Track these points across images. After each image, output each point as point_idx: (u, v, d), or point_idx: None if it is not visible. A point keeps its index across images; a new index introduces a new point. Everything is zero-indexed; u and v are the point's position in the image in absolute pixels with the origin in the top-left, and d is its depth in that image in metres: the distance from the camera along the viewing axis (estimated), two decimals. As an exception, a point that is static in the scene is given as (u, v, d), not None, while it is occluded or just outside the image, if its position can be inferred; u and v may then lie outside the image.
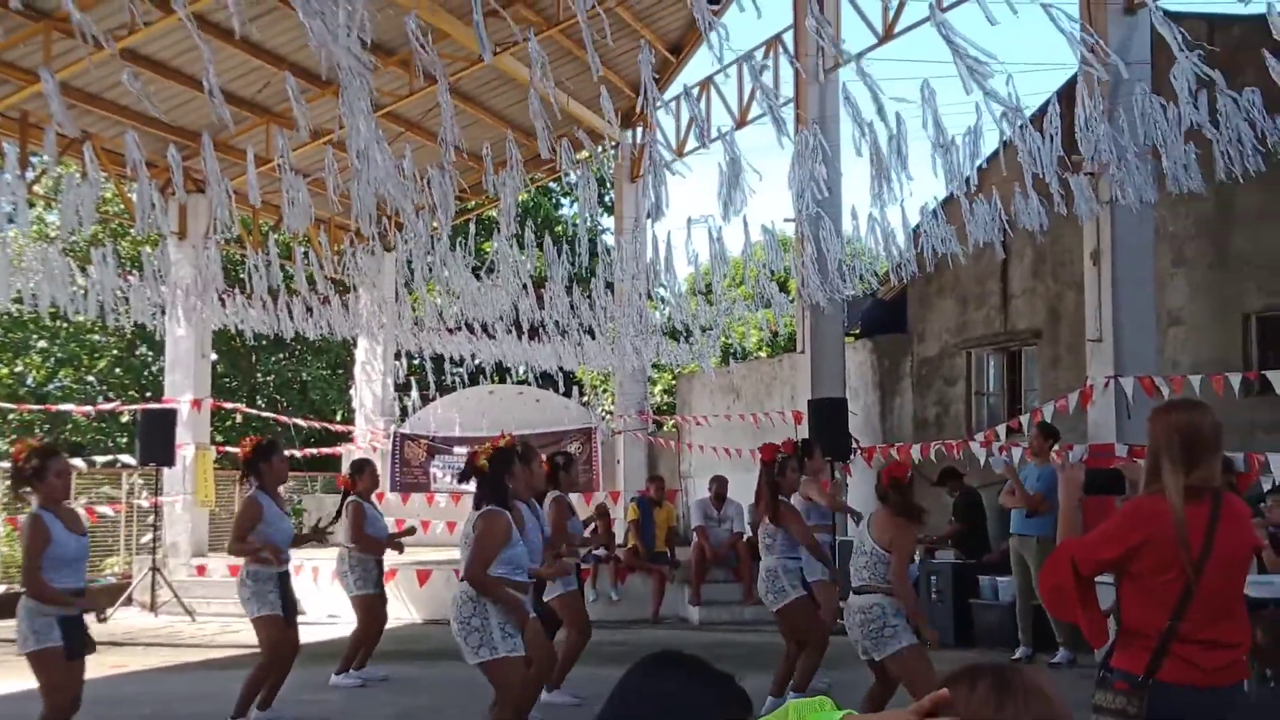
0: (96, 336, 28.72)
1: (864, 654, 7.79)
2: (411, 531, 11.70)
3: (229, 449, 18.84)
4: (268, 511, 8.80)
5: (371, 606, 11.10)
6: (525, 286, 14.66)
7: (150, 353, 28.84)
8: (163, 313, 16.68)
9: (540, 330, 17.49)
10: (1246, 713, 4.37)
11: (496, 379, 23.61)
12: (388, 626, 11.41)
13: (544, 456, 9.49)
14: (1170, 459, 4.12)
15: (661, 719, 2.20)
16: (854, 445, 15.31)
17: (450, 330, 18.73)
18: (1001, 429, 14.58)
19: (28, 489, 6.96)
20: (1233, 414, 13.29)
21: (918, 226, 13.77)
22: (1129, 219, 12.19)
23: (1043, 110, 12.34)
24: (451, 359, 19.83)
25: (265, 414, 24.04)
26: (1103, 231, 12.69)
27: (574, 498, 10.89)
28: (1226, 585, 4.17)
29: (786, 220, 15.26)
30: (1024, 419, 13.72)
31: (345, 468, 12.19)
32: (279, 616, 8.77)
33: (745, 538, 15.66)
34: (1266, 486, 10.50)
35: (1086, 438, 12.79)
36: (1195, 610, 4.07)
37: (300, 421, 23.73)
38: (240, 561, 9.02)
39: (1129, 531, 4.16)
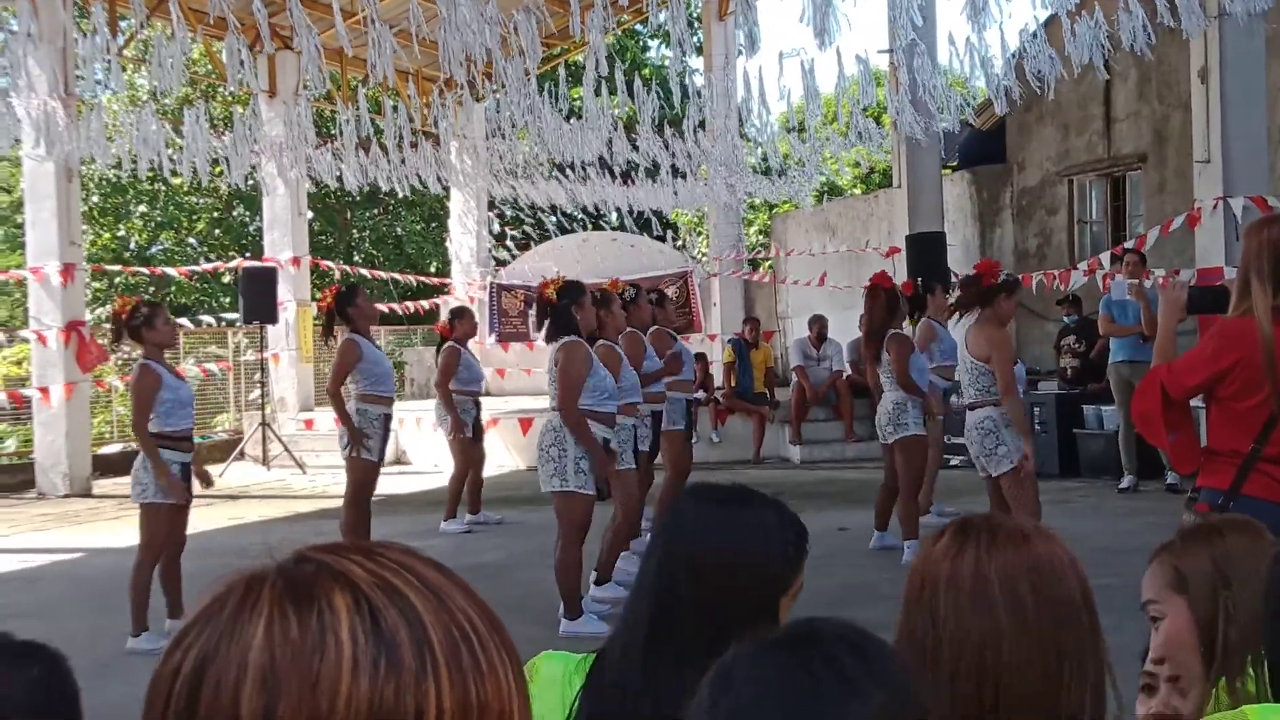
0: (194, 198, 29.02)
1: (981, 471, 7.76)
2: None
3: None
4: (367, 351, 8.81)
5: (466, 449, 11.23)
6: (615, 126, 14.47)
7: (248, 213, 29.10)
8: (256, 171, 16.74)
9: (632, 174, 17.31)
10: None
11: (590, 226, 23.50)
12: (492, 474, 11.54)
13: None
14: (1260, 277, 3.84)
15: (730, 544, 2.13)
16: (953, 278, 15.08)
17: (545, 177, 18.61)
18: (1105, 257, 14.26)
19: (135, 340, 7.13)
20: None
21: (1017, 51, 13.33)
22: (1238, 33, 11.70)
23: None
24: (543, 207, 19.72)
25: (362, 269, 24.24)
26: (1211, 48, 12.20)
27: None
28: None
29: (880, 52, 14.82)
30: (1128, 245, 13.40)
31: (444, 317, 12.25)
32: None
33: (845, 375, 15.61)
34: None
35: (1194, 262, 12.50)
36: None
37: (397, 276, 23.89)
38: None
39: (1217, 356, 3.96)
